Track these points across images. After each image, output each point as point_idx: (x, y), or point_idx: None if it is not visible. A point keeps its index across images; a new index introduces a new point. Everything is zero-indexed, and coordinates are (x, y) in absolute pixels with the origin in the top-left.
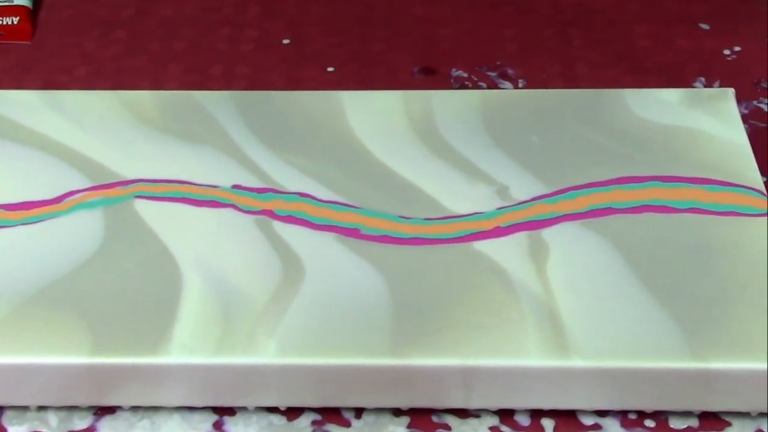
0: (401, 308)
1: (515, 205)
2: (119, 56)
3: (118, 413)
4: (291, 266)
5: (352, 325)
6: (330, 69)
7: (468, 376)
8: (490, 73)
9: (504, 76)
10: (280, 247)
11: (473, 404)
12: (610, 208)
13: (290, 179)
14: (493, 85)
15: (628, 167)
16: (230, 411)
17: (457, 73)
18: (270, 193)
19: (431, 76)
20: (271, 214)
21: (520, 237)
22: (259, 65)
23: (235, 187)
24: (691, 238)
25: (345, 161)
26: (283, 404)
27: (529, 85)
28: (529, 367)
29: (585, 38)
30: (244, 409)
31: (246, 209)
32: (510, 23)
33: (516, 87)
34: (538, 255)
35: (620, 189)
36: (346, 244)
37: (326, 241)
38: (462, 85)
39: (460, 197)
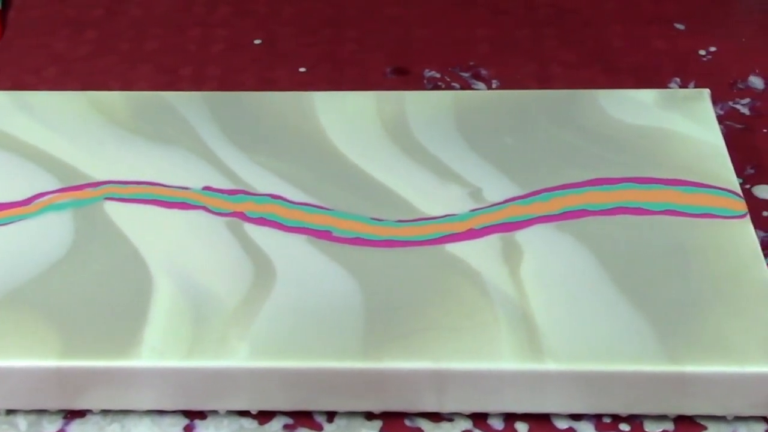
0: (373, 311)
1: (488, 207)
2: (89, 57)
3: (88, 417)
4: (262, 269)
5: (324, 328)
6: (302, 69)
7: (441, 379)
8: (463, 74)
9: (477, 77)
10: (251, 249)
11: (446, 408)
12: (584, 209)
13: (261, 181)
14: (466, 86)
15: (603, 168)
16: (201, 414)
17: (430, 73)
18: (241, 195)
19: (404, 76)
20: (242, 216)
21: (494, 239)
22: (230, 66)
23: (206, 188)
24: (666, 240)
25: (317, 162)
26: (254, 408)
27: (502, 86)
28: (503, 370)
29: (559, 39)
30: (215, 412)
31: (217, 211)
32: (483, 23)
33: (489, 88)
34: (511, 257)
35: (594, 190)
36: (317, 247)
37: (298, 243)
38: (435, 86)
39: (433, 199)
